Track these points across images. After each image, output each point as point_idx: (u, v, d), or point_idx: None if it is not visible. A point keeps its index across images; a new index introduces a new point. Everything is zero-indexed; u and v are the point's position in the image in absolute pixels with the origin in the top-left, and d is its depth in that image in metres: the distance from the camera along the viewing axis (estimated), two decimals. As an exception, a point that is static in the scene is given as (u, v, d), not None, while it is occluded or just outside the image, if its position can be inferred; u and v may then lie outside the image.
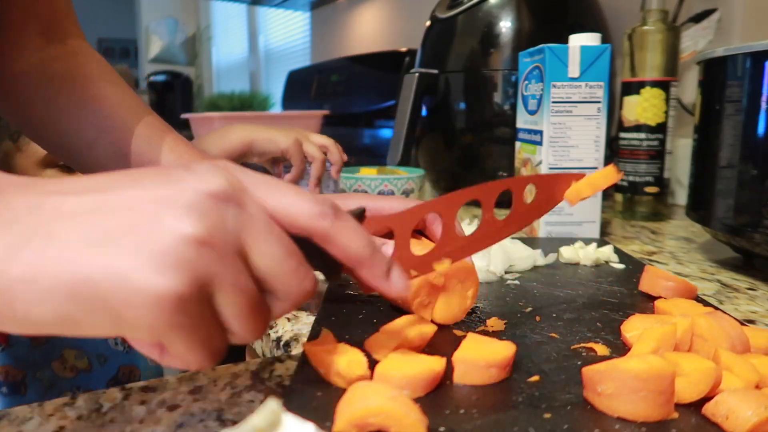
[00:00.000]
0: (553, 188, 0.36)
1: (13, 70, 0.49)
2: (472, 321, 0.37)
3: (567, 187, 0.36)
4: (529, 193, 0.36)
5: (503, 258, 0.48)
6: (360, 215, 0.29)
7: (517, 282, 0.46)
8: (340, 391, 0.27)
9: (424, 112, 0.98)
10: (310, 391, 0.27)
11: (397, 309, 0.38)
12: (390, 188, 0.78)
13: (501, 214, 0.34)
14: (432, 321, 0.36)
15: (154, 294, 0.20)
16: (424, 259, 0.32)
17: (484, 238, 0.34)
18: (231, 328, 0.23)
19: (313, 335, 0.34)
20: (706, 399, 0.25)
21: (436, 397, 0.26)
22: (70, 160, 0.51)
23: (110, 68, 0.52)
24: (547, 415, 0.25)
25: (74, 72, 0.50)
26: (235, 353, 0.61)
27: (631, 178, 0.80)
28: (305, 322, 0.40)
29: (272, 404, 0.19)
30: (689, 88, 0.91)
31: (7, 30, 0.48)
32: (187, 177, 0.22)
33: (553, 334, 0.34)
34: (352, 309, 0.39)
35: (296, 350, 0.36)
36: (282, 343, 0.37)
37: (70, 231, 0.20)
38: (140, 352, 0.23)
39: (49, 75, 0.49)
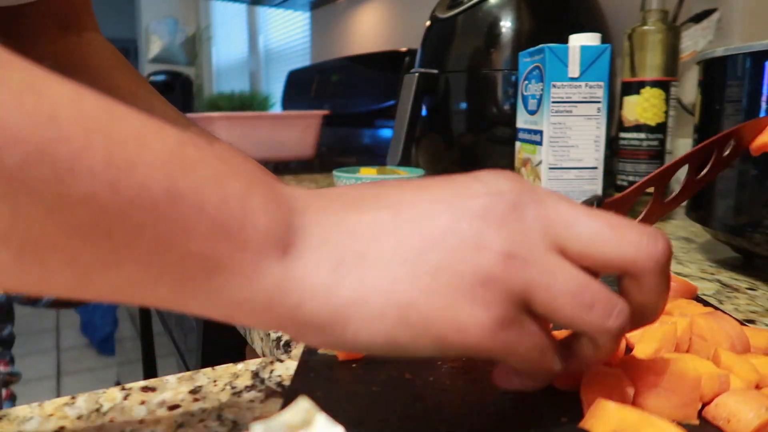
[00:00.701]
0: (747, 136, 0.34)
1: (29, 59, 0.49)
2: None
3: (757, 133, 0.34)
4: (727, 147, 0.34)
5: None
6: (599, 205, 0.28)
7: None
8: (341, 392, 0.27)
9: (424, 112, 0.98)
10: (311, 391, 0.27)
11: None
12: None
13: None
14: None
15: (475, 325, 0.20)
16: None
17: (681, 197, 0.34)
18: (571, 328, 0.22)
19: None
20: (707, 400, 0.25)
21: (436, 397, 0.27)
22: None
23: (125, 61, 0.52)
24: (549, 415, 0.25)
25: (89, 62, 0.50)
26: (235, 353, 0.62)
27: (631, 178, 0.80)
28: (305, 322, 0.40)
29: (304, 402, 0.19)
30: (689, 88, 0.91)
31: (25, 19, 0.48)
32: (475, 185, 0.22)
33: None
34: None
35: (296, 350, 0.36)
36: (282, 343, 0.37)
37: (381, 253, 0.20)
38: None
39: (64, 65, 0.49)
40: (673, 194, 0.32)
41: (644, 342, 0.29)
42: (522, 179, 0.23)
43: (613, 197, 0.29)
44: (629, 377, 0.26)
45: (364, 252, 0.20)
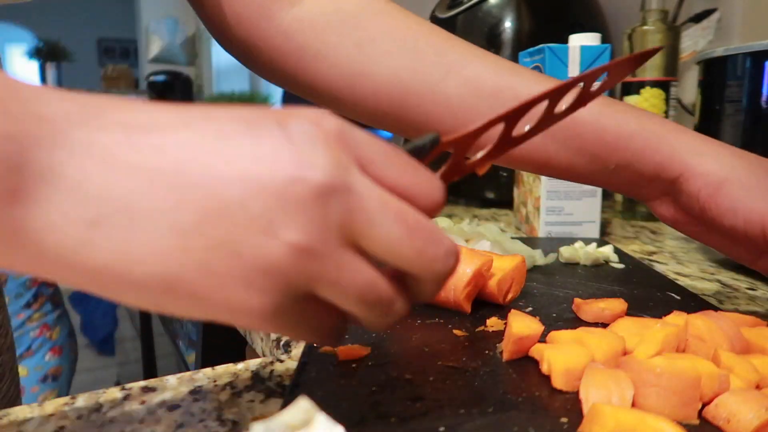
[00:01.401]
0: (621, 70, 0.32)
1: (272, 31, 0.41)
2: (473, 321, 0.37)
3: (636, 67, 0.32)
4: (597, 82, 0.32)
5: (503, 258, 0.48)
6: (433, 145, 0.26)
7: (517, 282, 0.46)
8: (341, 392, 0.27)
9: (424, 112, 0.98)
10: (311, 392, 0.27)
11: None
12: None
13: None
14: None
15: (248, 310, 0.19)
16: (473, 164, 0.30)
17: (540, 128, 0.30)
18: (351, 315, 0.21)
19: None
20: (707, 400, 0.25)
21: (436, 396, 0.27)
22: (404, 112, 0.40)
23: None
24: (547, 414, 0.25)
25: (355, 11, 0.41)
26: (235, 353, 0.62)
27: (631, 178, 0.80)
28: (305, 322, 0.40)
29: (304, 402, 0.19)
30: (689, 88, 0.91)
31: None
32: (283, 151, 0.19)
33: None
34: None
35: (296, 350, 0.36)
36: (282, 343, 0.37)
37: (155, 214, 0.18)
38: None
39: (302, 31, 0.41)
40: (525, 129, 0.30)
41: (645, 344, 0.29)
42: (344, 139, 0.20)
43: (452, 137, 0.27)
44: (629, 377, 0.26)
45: (133, 209, 0.17)
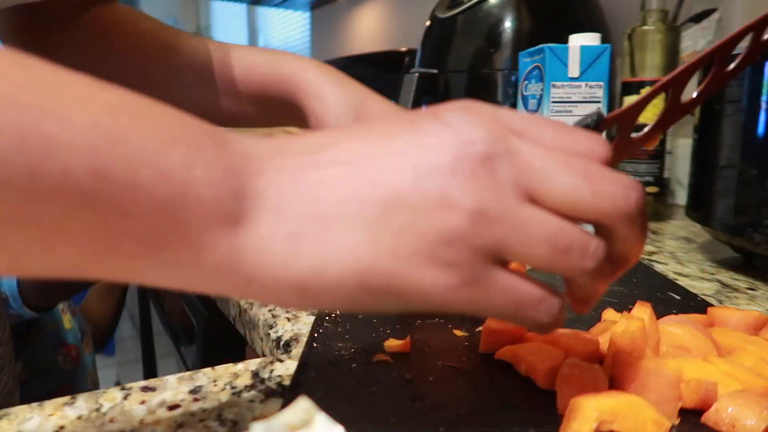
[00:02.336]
0: None
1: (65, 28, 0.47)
2: (473, 321, 0.37)
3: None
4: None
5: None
6: (597, 123, 0.26)
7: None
8: (341, 392, 0.27)
9: (424, 112, 0.98)
10: (311, 391, 0.27)
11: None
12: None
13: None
14: None
15: (440, 287, 0.20)
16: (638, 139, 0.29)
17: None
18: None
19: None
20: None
21: (436, 397, 0.27)
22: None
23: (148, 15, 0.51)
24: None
25: (119, 18, 0.48)
26: (235, 353, 0.61)
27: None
28: (305, 322, 0.40)
29: (304, 402, 0.19)
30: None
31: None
32: (443, 134, 0.20)
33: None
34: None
35: (296, 350, 0.36)
36: (282, 343, 0.37)
37: (342, 216, 0.19)
38: None
39: (94, 28, 0.48)
40: (693, 95, 0.30)
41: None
42: (494, 116, 0.21)
43: (615, 112, 0.27)
44: (607, 374, 0.26)
45: (324, 215, 0.19)
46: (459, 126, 0.20)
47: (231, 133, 0.21)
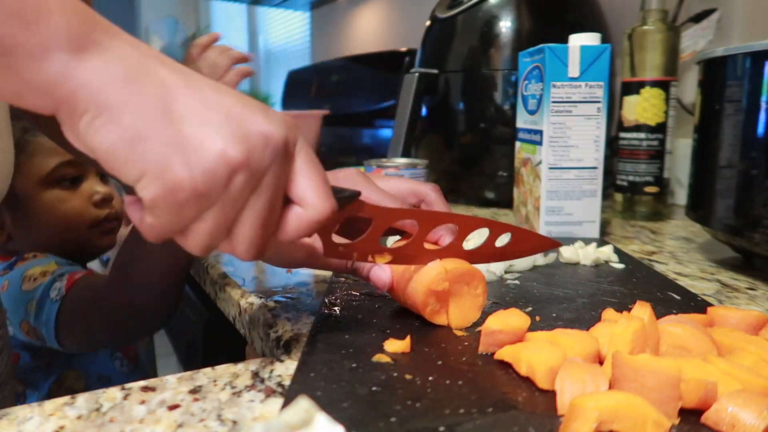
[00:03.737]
0: (524, 244, 0.39)
1: None
2: (473, 321, 0.37)
3: (535, 250, 0.39)
4: (504, 238, 0.38)
5: (503, 258, 0.48)
6: (351, 198, 0.32)
7: (517, 282, 0.46)
8: (341, 392, 0.27)
9: (424, 112, 0.98)
10: (311, 391, 0.27)
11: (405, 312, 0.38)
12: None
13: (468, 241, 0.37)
14: (450, 326, 0.36)
15: (222, 151, 0.25)
16: (394, 251, 0.35)
17: (448, 255, 0.37)
18: (242, 223, 0.28)
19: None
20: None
21: (436, 396, 0.27)
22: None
23: None
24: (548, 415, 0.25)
25: None
26: (235, 353, 0.61)
27: (630, 178, 0.80)
28: (305, 322, 0.40)
29: (304, 402, 0.19)
30: (689, 88, 0.91)
31: None
32: (262, 111, 0.28)
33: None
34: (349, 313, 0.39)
35: (296, 350, 0.36)
36: (282, 342, 0.37)
37: (153, 102, 0.25)
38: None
39: None
40: (439, 249, 0.36)
41: (616, 343, 0.29)
42: (293, 127, 0.29)
43: (370, 207, 0.34)
44: (604, 372, 0.26)
45: (143, 85, 0.25)
46: (270, 121, 0.27)
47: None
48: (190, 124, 0.25)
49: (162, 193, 0.25)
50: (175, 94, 0.26)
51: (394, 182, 0.43)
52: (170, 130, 0.25)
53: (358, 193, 0.33)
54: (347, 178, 0.41)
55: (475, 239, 0.40)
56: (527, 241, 0.38)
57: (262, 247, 0.29)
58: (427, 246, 0.36)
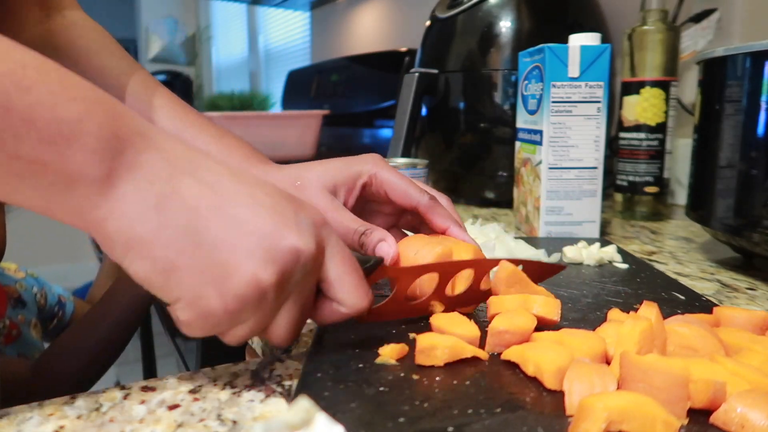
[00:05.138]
0: (538, 272, 0.40)
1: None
2: (476, 321, 0.37)
3: (542, 278, 0.40)
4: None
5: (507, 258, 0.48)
6: (376, 266, 0.34)
7: (517, 282, 0.46)
8: (348, 392, 0.27)
9: (424, 111, 0.98)
10: (318, 392, 0.27)
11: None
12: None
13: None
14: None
15: (254, 276, 0.26)
16: (415, 306, 0.37)
17: (467, 299, 0.38)
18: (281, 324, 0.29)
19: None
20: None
21: (444, 397, 0.26)
22: None
23: (111, 39, 0.51)
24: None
25: (76, 43, 0.49)
26: (235, 353, 0.61)
27: (630, 178, 0.80)
28: (305, 322, 0.39)
29: (304, 402, 0.19)
30: (689, 88, 0.91)
31: (4, 4, 0.48)
32: (290, 227, 0.27)
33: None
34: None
35: (296, 350, 0.36)
36: (282, 342, 0.37)
37: (183, 223, 0.25)
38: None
39: (53, 46, 0.48)
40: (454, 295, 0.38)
41: (623, 343, 0.29)
42: (324, 229, 0.30)
43: (397, 266, 0.36)
44: (613, 372, 0.26)
45: (173, 213, 0.25)
46: (303, 229, 0.28)
47: (131, 110, 0.27)
48: (221, 251, 0.26)
49: (195, 317, 0.26)
50: (205, 219, 0.26)
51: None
52: (202, 259, 0.25)
53: (382, 260, 0.35)
54: (364, 161, 0.43)
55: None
56: (537, 271, 0.40)
57: (296, 335, 0.30)
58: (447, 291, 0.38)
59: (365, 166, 0.42)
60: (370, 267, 0.33)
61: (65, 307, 0.95)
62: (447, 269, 0.36)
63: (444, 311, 0.37)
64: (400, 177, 0.42)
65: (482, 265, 0.37)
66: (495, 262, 0.38)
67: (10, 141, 0.23)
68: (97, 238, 0.26)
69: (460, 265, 0.37)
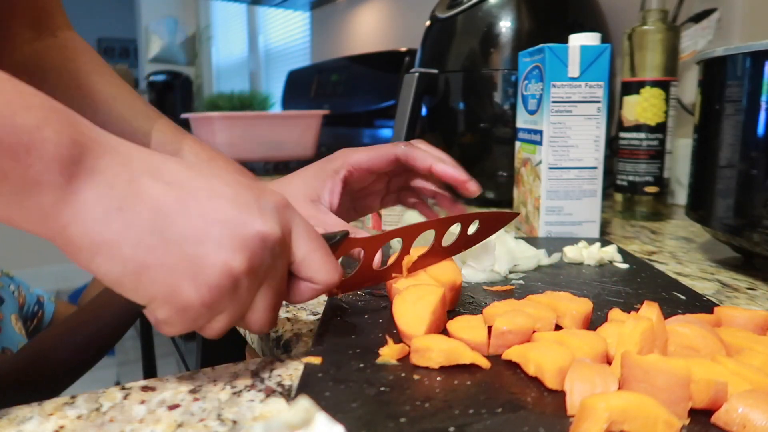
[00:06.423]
0: (493, 224, 0.44)
1: (7, 64, 0.49)
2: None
3: (504, 225, 0.44)
4: (473, 226, 0.43)
5: (507, 258, 0.48)
6: (342, 239, 0.35)
7: (521, 282, 0.46)
8: (349, 392, 0.27)
9: (424, 112, 0.98)
10: (319, 392, 0.27)
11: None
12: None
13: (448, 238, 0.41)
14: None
15: (225, 264, 0.26)
16: (382, 272, 0.39)
17: (431, 258, 0.41)
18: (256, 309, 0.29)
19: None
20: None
21: (445, 397, 0.26)
22: None
23: (102, 62, 0.52)
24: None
25: (68, 65, 0.50)
26: (235, 353, 0.61)
27: (630, 178, 0.80)
28: (305, 321, 0.40)
29: (304, 402, 0.19)
30: (689, 88, 0.91)
31: None
32: (256, 209, 0.28)
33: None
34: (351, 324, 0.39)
35: (296, 350, 0.36)
36: (282, 342, 0.37)
37: (149, 224, 0.26)
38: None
39: (43, 68, 0.49)
40: (423, 252, 0.40)
41: (624, 344, 0.29)
42: (287, 211, 0.30)
43: (361, 236, 0.38)
44: (614, 372, 0.26)
45: (137, 213, 0.25)
46: (267, 214, 0.28)
47: (87, 120, 0.27)
48: (190, 244, 0.26)
49: (173, 313, 0.26)
50: (169, 215, 0.26)
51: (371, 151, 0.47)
52: (172, 255, 0.26)
53: (347, 234, 0.36)
54: (335, 159, 0.46)
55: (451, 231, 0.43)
56: (491, 221, 0.43)
57: (274, 321, 0.31)
58: (413, 252, 0.40)
59: (337, 162, 0.45)
60: (337, 242, 0.35)
61: (44, 307, 0.95)
62: (409, 232, 0.38)
63: (414, 269, 0.40)
64: (369, 149, 0.44)
65: (442, 224, 0.40)
66: (453, 218, 0.40)
67: None
68: (61, 245, 0.25)
69: (421, 227, 0.39)
